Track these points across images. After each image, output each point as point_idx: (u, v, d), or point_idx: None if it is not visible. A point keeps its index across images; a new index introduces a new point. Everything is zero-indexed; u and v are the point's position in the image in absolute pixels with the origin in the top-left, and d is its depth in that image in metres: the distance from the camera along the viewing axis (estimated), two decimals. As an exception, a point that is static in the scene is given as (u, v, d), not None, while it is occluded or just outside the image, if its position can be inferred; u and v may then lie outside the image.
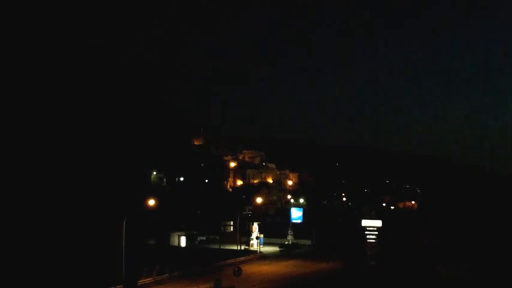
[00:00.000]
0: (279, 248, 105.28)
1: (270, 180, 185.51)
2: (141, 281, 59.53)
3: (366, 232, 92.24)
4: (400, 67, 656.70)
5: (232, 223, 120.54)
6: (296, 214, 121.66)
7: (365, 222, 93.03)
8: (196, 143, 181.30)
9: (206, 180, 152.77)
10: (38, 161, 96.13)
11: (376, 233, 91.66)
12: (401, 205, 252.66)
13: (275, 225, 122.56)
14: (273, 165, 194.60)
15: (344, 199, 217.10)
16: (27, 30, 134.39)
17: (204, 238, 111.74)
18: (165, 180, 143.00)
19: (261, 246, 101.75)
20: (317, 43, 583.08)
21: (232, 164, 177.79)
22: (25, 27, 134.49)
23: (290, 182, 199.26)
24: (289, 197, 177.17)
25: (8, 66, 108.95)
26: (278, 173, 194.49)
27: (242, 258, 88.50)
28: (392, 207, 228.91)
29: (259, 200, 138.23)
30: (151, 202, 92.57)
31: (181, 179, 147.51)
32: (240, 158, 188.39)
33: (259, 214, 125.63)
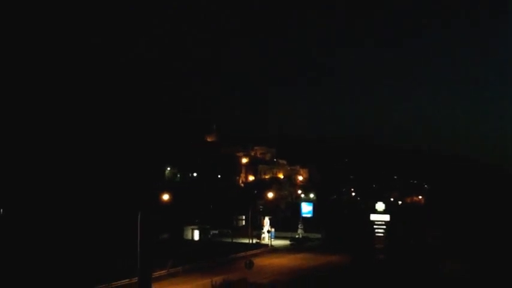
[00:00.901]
0: (290, 241, 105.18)
1: (281, 176, 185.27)
2: (156, 273, 59.52)
3: (375, 226, 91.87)
4: (408, 66, 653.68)
5: (244, 217, 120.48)
6: (306, 208, 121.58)
7: (373, 217, 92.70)
8: (208, 139, 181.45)
9: (219, 176, 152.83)
10: (60, 159, 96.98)
11: (384, 227, 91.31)
12: (408, 200, 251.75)
13: (286, 219, 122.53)
14: (284, 161, 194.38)
15: (353, 194, 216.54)
16: (27, 31, 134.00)
17: (216, 232, 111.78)
18: (178, 175, 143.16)
19: (272, 239, 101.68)
20: (322, 40, 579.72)
21: (244, 160, 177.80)
22: (26, 27, 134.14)
23: (300, 178, 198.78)
24: (299, 192, 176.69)
25: (15, 67, 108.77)
26: (289, 168, 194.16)
27: (254, 252, 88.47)
28: (400, 202, 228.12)
29: (270, 195, 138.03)
30: (166, 197, 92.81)
31: (195, 174, 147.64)
32: (252, 154, 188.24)
33: (270, 208, 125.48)
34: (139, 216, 44.71)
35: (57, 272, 58.25)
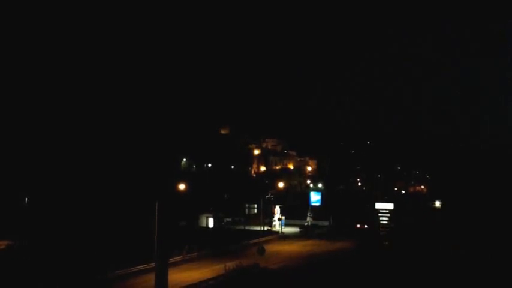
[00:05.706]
0: (299, 228, 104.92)
1: (291, 167, 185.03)
2: (172, 259, 59.54)
3: (379, 214, 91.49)
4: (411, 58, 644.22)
5: (256, 206, 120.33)
6: (315, 198, 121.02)
7: (378, 205, 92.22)
8: (222, 132, 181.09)
9: (232, 167, 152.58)
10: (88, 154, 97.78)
11: (389, 215, 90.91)
12: (411, 189, 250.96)
13: (295, 207, 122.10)
14: (294, 153, 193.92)
15: (359, 184, 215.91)
16: (28, 31, 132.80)
17: (230, 220, 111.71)
18: (194, 166, 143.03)
19: (283, 227, 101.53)
20: (325, 38, 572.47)
21: (256, 152, 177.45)
22: (26, 28, 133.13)
23: (309, 168, 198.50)
24: (308, 181, 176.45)
25: (17, 68, 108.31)
26: (298, 159, 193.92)
27: (265, 238, 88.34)
28: (403, 192, 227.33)
29: (280, 184, 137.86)
30: (182, 186, 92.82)
31: (209, 165, 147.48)
32: (263, 146, 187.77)
33: (280, 197, 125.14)
34: (156, 206, 44.65)
35: (77, 259, 58.31)
